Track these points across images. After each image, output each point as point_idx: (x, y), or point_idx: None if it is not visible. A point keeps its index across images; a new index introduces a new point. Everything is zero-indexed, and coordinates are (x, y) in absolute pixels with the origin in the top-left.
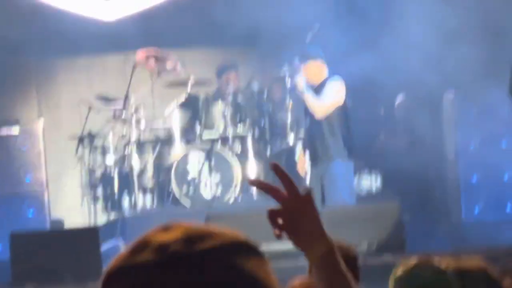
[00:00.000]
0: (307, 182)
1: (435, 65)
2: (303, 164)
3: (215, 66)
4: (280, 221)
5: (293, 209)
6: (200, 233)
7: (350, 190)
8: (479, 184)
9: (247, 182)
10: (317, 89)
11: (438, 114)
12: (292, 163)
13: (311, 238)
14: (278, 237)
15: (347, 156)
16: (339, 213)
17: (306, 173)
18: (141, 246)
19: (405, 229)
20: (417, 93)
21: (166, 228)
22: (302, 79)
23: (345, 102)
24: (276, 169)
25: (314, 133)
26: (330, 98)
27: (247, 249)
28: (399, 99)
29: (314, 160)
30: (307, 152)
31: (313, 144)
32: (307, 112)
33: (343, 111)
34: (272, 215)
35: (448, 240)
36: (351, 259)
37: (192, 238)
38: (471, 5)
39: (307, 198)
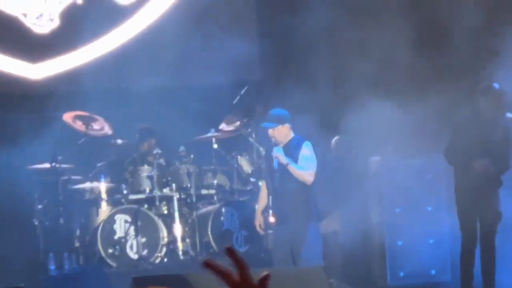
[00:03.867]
0: (268, 242)
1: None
2: (261, 222)
3: (141, 128)
4: None
5: None
6: None
7: (318, 251)
8: (405, 247)
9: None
10: (286, 148)
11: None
12: (219, 224)
13: None
14: None
15: (315, 219)
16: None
17: (264, 232)
18: None
19: None
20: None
21: None
22: (279, 153)
23: None
24: (230, 254)
25: (283, 195)
26: (313, 164)
27: None
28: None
29: (281, 221)
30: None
31: (282, 206)
32: (274, 175)
33: None
34: None
35: None
36: None
37: None
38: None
39: (262, 286)
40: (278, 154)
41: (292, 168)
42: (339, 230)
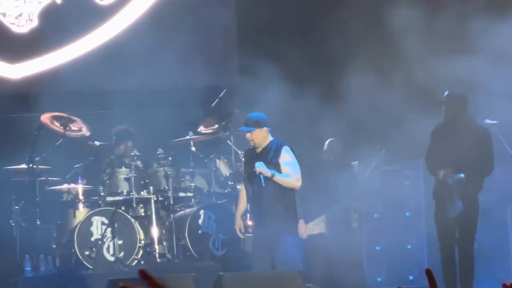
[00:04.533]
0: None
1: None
2: (241, 226)
3: (118, 130)
4: None
5: None
6: None
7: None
8: (382, 253)
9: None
10: (265, 152)
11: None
12: (196, 227)
13: None
14: None
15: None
16: (242, 279)
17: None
18: None
19: None
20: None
21: None
22: (262, 168)
23: None
24: (144, 276)
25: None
26: (297, 168)
27: None
28: None
29: (260, 225)
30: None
31: (261, 210)
32: (253, 179)
33: None
34: None
35: None
36: None
37: None
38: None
39: None
40: (261, 169)
41: (279, 178)
42: (326, 233)
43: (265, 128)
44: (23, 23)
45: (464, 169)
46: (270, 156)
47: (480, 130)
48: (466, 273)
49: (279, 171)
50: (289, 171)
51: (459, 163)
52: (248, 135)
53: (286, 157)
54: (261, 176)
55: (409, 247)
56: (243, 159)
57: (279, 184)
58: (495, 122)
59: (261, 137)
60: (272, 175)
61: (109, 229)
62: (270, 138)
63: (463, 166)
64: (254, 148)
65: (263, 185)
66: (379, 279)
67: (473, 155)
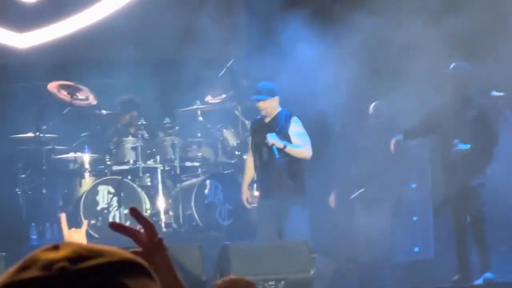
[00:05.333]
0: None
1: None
2: (248, 196)
3: (123, 100)
4: None
5: (149, 252)
6: (88, 252)
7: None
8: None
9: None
10: (275, 121)
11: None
12: (202, 196)
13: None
14: None
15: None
16: (248, 249)
17: (251, 206)
18: (29, 263)
19: (313, 267)
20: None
21: (55, 247)
22: (275, 140)
23: None
24: (135, 214)
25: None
26: (307, 138)
27: (135, 269)
28: None
29: (268, 195)
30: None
31: (269, 180)
32: (262, 149)
33: None
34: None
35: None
36: None
37: (80, 256)
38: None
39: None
40: (274, 141)
41: (291, 149)
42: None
43: (277, 97)
44: None
45: (470, 140)
46: (279, 126)
47: (482, 103)
48: (479, 237)
49: (289, 142)
50: (300, 142)
51: (465, 134)
52: (261, 104)
53: (296, 127)
54: (274, 147)
55: (415, 219)
56: (250, 129)
57: (289, 154)
58: (501, 94)
59: (272, 106)
60: (284, 146)
61: (115, 198)
62: (279, 108)
63: (469, 137)
64: (262, 118)
65: (277, 156)
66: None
67: (478, 126)
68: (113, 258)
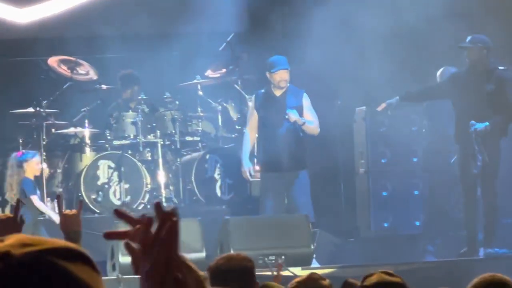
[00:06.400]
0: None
1: (350, 80)
2: (251, 169)
3: (123, 74)
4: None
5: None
6: (32, 240)
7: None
8: (389, 198)
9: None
10: (288, 93)
11: (349, 127)
12: (203, 171)
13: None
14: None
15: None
16: (248, 223)
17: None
18: None
19: (314, 241)
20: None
21: (0, 240)
22: (296, 116)
23: None
24: (119, 215)
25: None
26: (316, 116)
27: (77, 256)
28: None
29: (277, 169)
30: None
31: (281, 153)
32: (276, 125)
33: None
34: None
35: (358, 253)
36: (248, 270)
37: (24, 243)
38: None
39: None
40: (296, 117)
41: (308, 126)
42: None
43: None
44: None
45: (488, 117)
46: (291, 100)
47: (502, 76)
48: (489, 211)
49: (301, 115)
50: (312, 118)
51: (483, 111)
52: (286, 75)
53: (308, 102)
54: (288, 122)
55: (416, 193)
56: (250, 103)
57: (301, 129)
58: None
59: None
60: (303, 123)
61: (115, 173)
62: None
63: (487, 114)
64: (267, 91)
65: (301, 135)
66: (385, 225)
67: (496, 101)
68: (55, 245)
